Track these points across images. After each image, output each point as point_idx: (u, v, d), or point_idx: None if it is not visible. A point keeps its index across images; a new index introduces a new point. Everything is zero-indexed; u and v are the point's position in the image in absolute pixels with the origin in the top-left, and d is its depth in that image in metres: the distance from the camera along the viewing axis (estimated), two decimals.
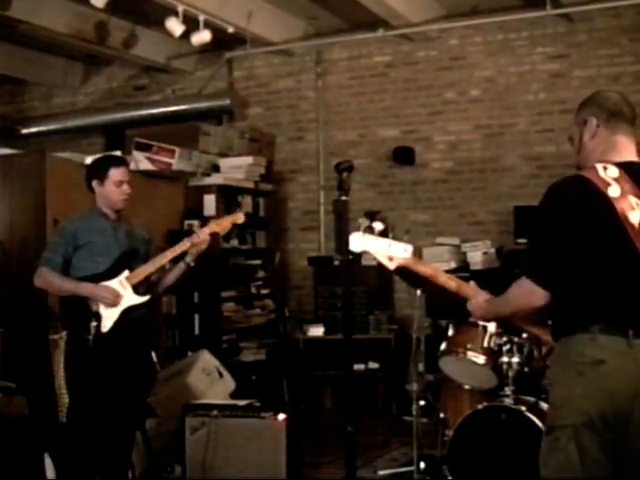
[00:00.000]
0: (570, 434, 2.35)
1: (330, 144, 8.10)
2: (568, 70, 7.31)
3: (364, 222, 2.90)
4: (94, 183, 4.19)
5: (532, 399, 4.29)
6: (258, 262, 7.78)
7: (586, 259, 2.39)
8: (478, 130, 7.60)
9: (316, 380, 7.39)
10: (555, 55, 7.37)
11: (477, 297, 2.70)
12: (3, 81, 8.96)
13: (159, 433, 5.01)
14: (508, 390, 4.36)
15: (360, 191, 7.61)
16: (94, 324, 4.01)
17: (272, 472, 4.58)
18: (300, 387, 7.25)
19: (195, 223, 6.93)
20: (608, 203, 2.40)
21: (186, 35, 6.87)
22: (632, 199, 2.42)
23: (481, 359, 4.48)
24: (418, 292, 5.12)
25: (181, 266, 4.27)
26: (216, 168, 7.41)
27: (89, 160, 5.59)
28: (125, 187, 4.18)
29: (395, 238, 2.79)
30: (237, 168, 7.47)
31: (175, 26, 6.74)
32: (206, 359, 5.75)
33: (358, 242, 2.73)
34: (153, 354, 4.56)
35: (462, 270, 6.77)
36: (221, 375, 5.71)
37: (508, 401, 4.28)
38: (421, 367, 5.16)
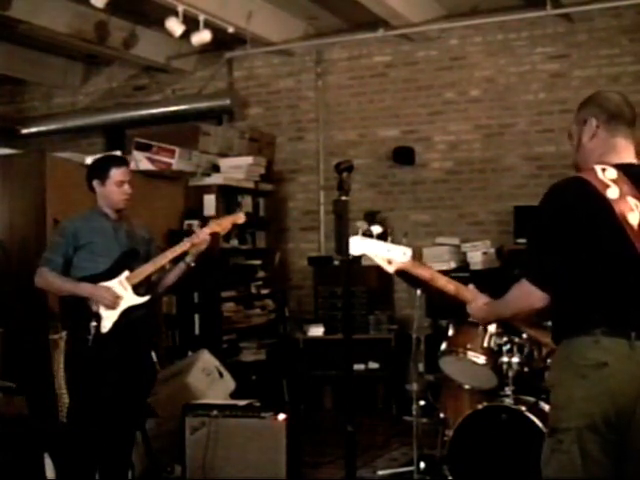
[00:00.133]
0: (573, 437, 2.34)
1: (330, 144, 8.10)
2: (568, 70, 7.31)
3: (362, 225, 2.90)
4: (95, 183, 4.19)
5: (532, 399, 4.29)
6: (258, 262, 7.78)
7: (586, 261, 2.39)
8: (478, 130, 7.60)
9: (316, 380, 7.39)
10: (555, 55, 7.37)
11: (477, 300, 2.70)
12: (3, 81, 8.95)
13: (159, 433, 5.01)
14: (508, 390, 4.36)
15: (360, 191, 7.62)
16: (94, 324, 4.01)
17: (272, 472, 4.58)
18: (300, 387, 7.25)
19: (195, 223, 6.93)
20: (607, 205, 2.40)
21: (186, 35, 6.87)
22: (631, 200, 2.42)
23: (481, 359, 4.48)
24: (418, 292, 5.13)
25: (181, 266, 4.27)
26: (216, 168, 7.41)
27: (89, 160, 5.60)
28: (126, 187, 4.18)
29: (394, 241, 2.79)
30: (237, 168, 7.46)
31: (175, 26, 6.74)
32: (206, 359, 5.75)
33: (357, 245, 2.74)
34: (153, 354, 4.57)
35: (462, 270, 6.78)
36: (221, 375, 5.71)
37: (508, 401, 4.28)
38: (421, 367, 5.16)
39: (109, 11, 7.00)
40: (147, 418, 4.71)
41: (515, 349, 4.40)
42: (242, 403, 4.88)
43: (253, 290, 7.68)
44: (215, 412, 4.74)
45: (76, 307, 4.06)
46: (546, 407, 3.98)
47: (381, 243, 2.75)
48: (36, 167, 5.75)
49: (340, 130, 8.09)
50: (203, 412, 4.77)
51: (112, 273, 4.11)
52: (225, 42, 7.79)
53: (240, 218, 4.39)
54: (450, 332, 4.69)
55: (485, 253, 6.98)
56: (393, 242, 2.79)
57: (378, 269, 2.80)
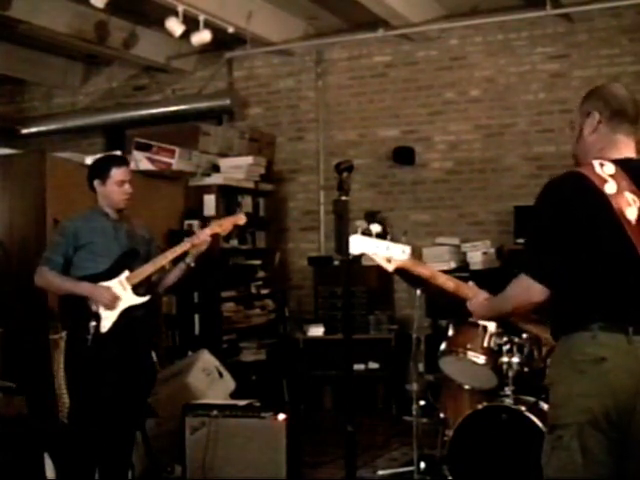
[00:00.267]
0: (573, 432, 2.34)
1: (330, 144, 8.10)
2: (568, 70, 7.31)
3: (362, 224, 2.91)
4: (96, 183, 4.20)
5: (532, 399, 4.29)
6: (258, 262, 7.78)
7: (584, 256, 2.39)
8: (478, 130, 7.60)
9: (316, 380, 7.39)
10: (555, 55, 7.37)
11: (477, 297, 2.70)
12: (3, 81, 8.95)
13: (159, 433, 5.01)
14: (508, 390, 4.36)
15: (360, 191, 7.62)
16: (93, 324, 4.01)
17: (272, 472, 4.58)
18: (300, 387, 7.25)
19: (195, 223, 6.94)
20: (605, 200, 2.40)
21: (186, 35, 6.87)
22: (629, 195, 2.42)
23: (481, 359, 4.48)
24: (418, 292, 5.13)
25: (181, 267, 4.27)
26: (216, 168, 7.41)
27: (90, 160, 5.60)
28: (127, 187, 4.18)
29: (393, 240, 2.79)
30: (237, 168, 7.47)
31: (175, 26, 6.74)
32: (206, 359, 5.75)
33: (356, 244, 2.74)
34: (153, 354, 4.57)
35: (462, 270, 6.78)
36: (221, 375, 5.71)
37: (508, 401, 4.28)
38: (421, 367, 5.16)
39: (109, 11, 7.00)
40: (147, 418, 4.72)
41: (515, 349, 4.40)
42: (242, 403, 4.88)
43: (253, 290, 7.68)
44: (215, 412, 4.74)
45: (76, 307, 4.06)
46: (546, 407, 3.98)
47: (380, 241, 2.75)
48: (36, 167, 5.75)
49: (340, 130, 8.09)
50: (203, 412, 4.77)
51: (112, 273, 4.11)
52: (225, 42, 7.78)
53: (241, 219, 4.39)
54: (450, 332, 4.69)
55: (485, 253, 6.98)
56: (392, 241, 2.79)
57: (378, 269, 2.80)
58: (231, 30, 7.26)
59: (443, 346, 4.68)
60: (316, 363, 7.33)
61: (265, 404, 4.81)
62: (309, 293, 7.87)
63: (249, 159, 7.56)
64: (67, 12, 7.17)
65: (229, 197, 7.39)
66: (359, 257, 2.86)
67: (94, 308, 4.04)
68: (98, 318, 4.04)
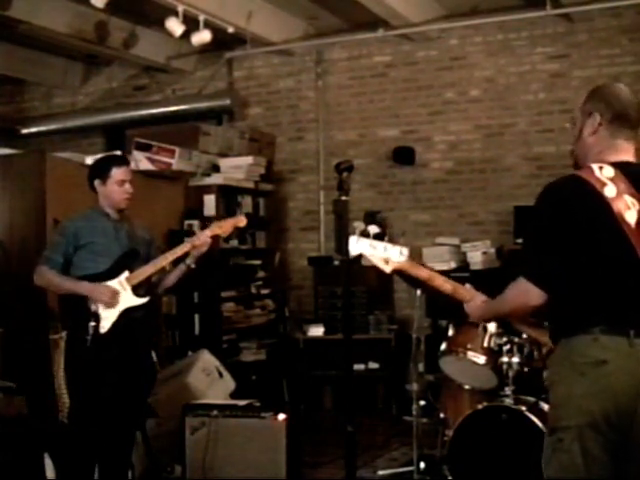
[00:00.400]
0: (574, 435, 2.34)
1: (330, 144, 8.10)
2: (568, 70, 7.31)
3: (359, 225, 2.90)
4: (96, 183, 4.20)
5: (532, 399, 4.29)
6: (258, 262, 7.78)
7: (583, 259, 2.39)
8: (478, 130, 7.60)
9: (316, 380, 7.39)
10: (555, 55, 7.37)
11: (474, 299, 2.70)
12: (3, 81, 8.95)
13: (159, 433, 5.01)
14: (508, 390, 4.36)
15: (360, 191, 7.62)
16: (92, 324, 4.01)
17: (272, 472, 4.58)
18: (300, 387, 7.25)
19: (195, 223, 6.94)
20: (604, 203, 2.40)
21: (186, 35, 6.87)
22: (628, 199, 2.42)
23: (481, 359, 4.48)
24: (418, 292, 5.12)
25: (182, 268, 4.27)
26: (216, 168, 7.41)
27: (90, 160, 5.61)
28: (127, 186, 4.19)
29: (391, 241, 2.79)
30: (237, 168, 7.46)
31: (175, 26, 6.74)
32: (206, 359, 5.75)
33: (354, 245, 2.74)
34: (153, 354, 4.57)
35: (462, 270, 6.78)
36: (221, 375, 5.71)
37: (508, 401, 4.28)
38: (421, 367, 5.16)
39: (109, 11, 7.00)
40: (147, 418, 4.72)
41: (515, 349, 4.40)
42: (242, 403, 4.88)
43: (253, 290, 7.68)
44: (215, 412, 4.74)
45: (76, 307, 4.06)
46: (546, 407, 3.98)
47: (378, 243, 2.75)
48: (36, 167, 5.75)
49: (340, 130, 8.09)
50: (203, 412, 4.77)
51: (112, 273, 4.11)
52: (225, 42, 7.78)
53: (242, 221, 4.39)
54: (450, 332, 4.69)
55: (485, 253, 6.98)
56: (391, 242, 2.79)
57: (378, 269, 2.80)
58: (231, 30, 7.26)
59: (443, 346, 4.68)
60: (316, 363, 7.33)
61: (265, 404, 4.81)
62: (309, 293, 7.87)
63: (249, 159, 7.56)
64: (67, 12, 7.17)
65: (229, 197, 7.39)
66: (359, 257, 2.86)
67: (93, 308, 4.04)
68: (97, 318, 4.04)
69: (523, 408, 4.14)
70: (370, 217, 7.33)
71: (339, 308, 7.22)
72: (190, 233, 4.72)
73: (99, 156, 5.05)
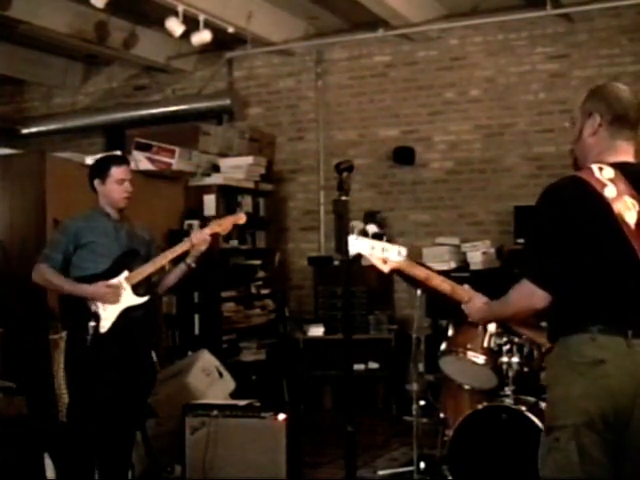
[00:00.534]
0: (570, 434, 2.34)
1: (330, 144, 8.10)
2: (568, 70, 7.31)
3: (358, 225, 2.91)
4: (96, 182, 4.20)
5: (532, 399, 4.28)
6: (258, 262, 7.78)
7: (584, 260, 2.39)
8: (478, 130, 7.60)
9: (316, 380, 7.39)
10: (555, 55, 7.37)
11: (473, 300, 2.70)
12: (3, 81, 8.95)
13: (159, 433, 5.01)
14: (508, 390, 4.36)
15: (360, 191, 7.62)
16: (92, 324, 4.01)
17: (272, 472, 4.58)
18: (300, 387, 7.25)
19: (195, 223, 6.93)
20: (605, 204, 2.40)
21: (186, 35, 6.87)
22: (628, 199, 2.42)
23: (481, 359, 4.47)
24: (418, 292, 5.12)
25: (182, 267, 4.26)
26: (216, 168, 7.41)
27: (90, 160, 5.61)
28: (127, 185, 4.18)
29: (390, 241, 2.79)
30: (237, 168, 7.47)
31: (175, 26, 6.74)
32: (206, 359, 5.75)
33: (352, 245, 2.74)
34: (153, 354, 4.57)
35: (462, 270, 6.78)
36: (221, 375, 5.71)
37: (508, 401, 4.28)
38: (421, 367, 5.16)
39: (109, 11, 7.00)
40: (147, 418, 4.72)
41: (515, 349, 4.40)
42: (242, 403, 4.88)
43: (253, 290, 7.68)
44: (215, 412, 4.74)
45: (75, 307, 4.06)
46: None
47: (376, 242, 2.75)
48: (36, 167, 5.75)
49: (340, 130, 8.09)
50: (203, 412, 4.77)
51: (112, 273, 4.10)
52: (225, 42, 7.79)
53: (241, 218, 4.38)
54: (450, 332, 4.69)
55: (485, 253, 6.98)
56: (390, 241, 2.79)
57: (377, 269, 2.80)
58: (231, 30, 7.26)
59: (443, 346, 4.68)
60: (316, 363, 7.33)
61: (265, 404, 4.81)
62: (309, 293, 7.87)
63: (249, 159, 7.56)
64: (67, 12, 7.17)
65: (229, 197, 7.39)
66: (359, 257, 2.86)
67: (93, 308, 4.04)
68: (97, 318, 4.03)
69: (523, 408, 4.14)
70: (370, 217, 7.33)
71: (339, 308, 7.22)
72: (190, 233, 4.71)
73: (99, 156, 5.05)
